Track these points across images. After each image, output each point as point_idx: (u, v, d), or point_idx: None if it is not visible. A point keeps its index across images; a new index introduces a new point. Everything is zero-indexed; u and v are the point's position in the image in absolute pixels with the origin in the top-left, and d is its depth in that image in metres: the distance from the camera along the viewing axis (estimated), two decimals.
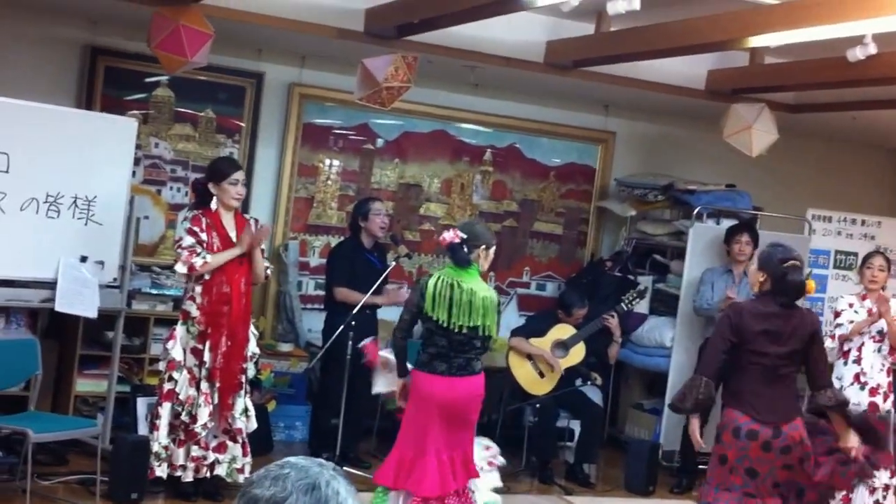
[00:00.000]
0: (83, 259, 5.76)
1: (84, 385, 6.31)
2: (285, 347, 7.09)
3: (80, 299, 5.72)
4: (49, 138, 5.65)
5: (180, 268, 5.26)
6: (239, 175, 5.42)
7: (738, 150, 7.00)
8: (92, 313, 5.76)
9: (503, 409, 6.95)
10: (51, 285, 5.67)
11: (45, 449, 5.68)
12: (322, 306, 6.81)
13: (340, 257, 6.52)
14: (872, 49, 5.34)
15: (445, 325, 4.86)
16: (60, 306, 5.68)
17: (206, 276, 5.27)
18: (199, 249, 5.23)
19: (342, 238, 6.93)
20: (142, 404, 6.13)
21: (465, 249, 4.92)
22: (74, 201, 5.75)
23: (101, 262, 5.83)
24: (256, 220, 5.54)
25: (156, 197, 6.94)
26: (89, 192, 5.79)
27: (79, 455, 5.90)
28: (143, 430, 5.93)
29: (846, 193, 8.60)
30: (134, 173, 6.34)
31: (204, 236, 5.27)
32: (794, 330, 4.68)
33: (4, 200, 5.51)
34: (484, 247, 4.97)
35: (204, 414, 5.27)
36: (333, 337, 6.09)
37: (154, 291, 6.51)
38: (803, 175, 8.55)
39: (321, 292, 6.95)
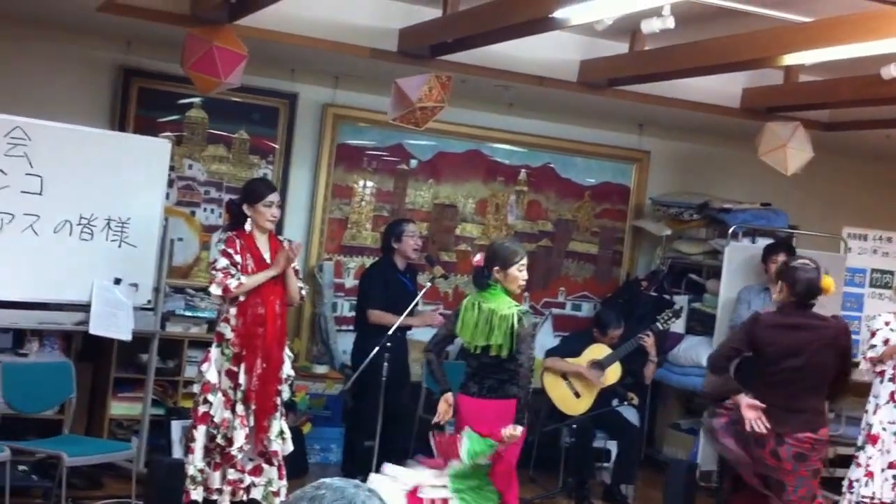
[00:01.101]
0: (117, 281, 5.77)
1: (118, 408, 6.30)
2: (320, 369, 7.06)
3: (114, 322, 5.72)
4: (82, 160, 5.67)
5: (215, 289, 5.23)
6: (274, 197, 5.39)
7: (773, 169, 6.94)
8: (126, 336, 5.76)
9: (539, 429, 6.87)
10: (85, 308, 5.68)
11: (79, 473, 5.66)
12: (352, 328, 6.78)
13: (374, 279, 6.48)
14: None
15: (468, 345, 4.90)
16: (94, 329, 5.68)
17: (241, 298, 5.24)
18: (233, 271, 5.21)
19: (376, 259, 6.90)
20: (176, 427, 6.11)
21: (485, 271, 4.89)
22: (108, 223, 5.76)
23: (135, 285, 5.83)
24: (290, 241, 5.51)
25: (190, 218, 6.94)
26: (123, 214, 5.80)
27: (113, 478, 5.88)
28: (177, 453, 5.91)
29: (882, 211, 8.49)
30: (167, 195, 6.34)
31: (238, 258, 5.25)
32: (811, 342, 4.68)
33: (38, 223, 5.53)
34: (498, 267, 4.87)
35: (240, 437, 5.23)
36: (369, 359, 6.03)
37: (188, 313, 6.50)
38: (839, 193, 8.47)
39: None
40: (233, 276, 5.19)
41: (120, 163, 5.79)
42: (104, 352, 6.26)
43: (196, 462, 5.23)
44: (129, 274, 5.81)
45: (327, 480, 1.61)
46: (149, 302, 5.94)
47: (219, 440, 5.22)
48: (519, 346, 4.77)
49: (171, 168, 6.31)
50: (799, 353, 4.87)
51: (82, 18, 5.93)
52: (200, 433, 5.24)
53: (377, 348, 5.86)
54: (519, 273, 4.90)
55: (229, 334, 5.25)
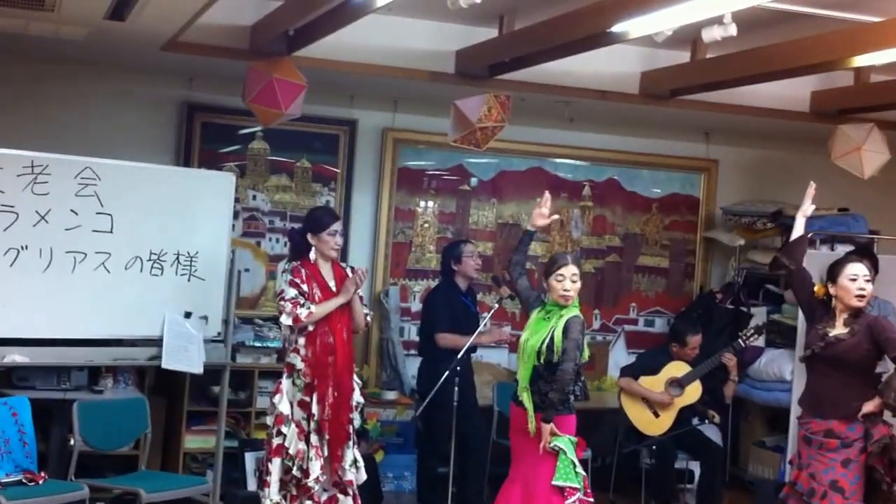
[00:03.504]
0: (187, 315, 5.80)
1: (193, 441, 6.33)
2: (390, 395, 7.02)
3: (185, 355, 5.75)
4: (150, 197, 5.73)
5: (286, 320, 5.21)
6: (337, 226, 5.38)
7: (848, 173, 6.75)
8: (198, 369, 5.79)
9: (618, 450, 6.74)
10: (157, 343, 5.72)
11: None
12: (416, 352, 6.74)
13: (438, 303, 6.41)
14: None
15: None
16: (167, 363, 5.72)
17: (310, 328, 5.23)
18: (302, 300, 5.20)
19: (437, 282, 6.84)
20: (250, 459, 6.11)
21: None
22: (177, 258, 5.81)
23: (205, 317, 5.86)
24: (353, 268, 5.49)
25: (255, 249, 6.98)
26: (191, 247, 5.84)
27: None
28: (252, 485, 5.91)
29: None
30: (233, 226, 6.38)
31: (305, 287, 5.24)
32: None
33: (109, 261, 5.60)
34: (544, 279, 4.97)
35: (316, 467, 5.19)
36: (440, 383, 5.97)
37: (257, 344, 6.52)
38: None
39: None
40: (302, 305, 5.18)
41: (186, 197, 5.84)
42: (177, 386, 6.31)
43: (272, 495, 5.20)
44: (198, 307, 5.84)
45: None
46: (218, 334, 5.96)
47: (294, 472, 5.19)
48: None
49: (236, 199, 6.35)
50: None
51: (146, 58, 6.02)
52: (275, 466, 5.21)
53: (447, 372, 5.80)
54: (557, 283, 4.87)
55: (300, 364, 5.23)
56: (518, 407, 4.94)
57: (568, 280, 4.88)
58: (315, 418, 5.22)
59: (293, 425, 5.21)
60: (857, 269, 4.93)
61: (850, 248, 7.00)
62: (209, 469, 6.16)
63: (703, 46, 5.80)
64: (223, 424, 6.02)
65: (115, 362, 5.87)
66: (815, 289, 5.09)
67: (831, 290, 4.97)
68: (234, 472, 6.17)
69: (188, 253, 5.84)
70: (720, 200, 7.95)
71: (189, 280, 5.85)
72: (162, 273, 5.77)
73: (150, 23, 5.13)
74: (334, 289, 5.31)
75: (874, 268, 6.61)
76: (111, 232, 5.60)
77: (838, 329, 4.90)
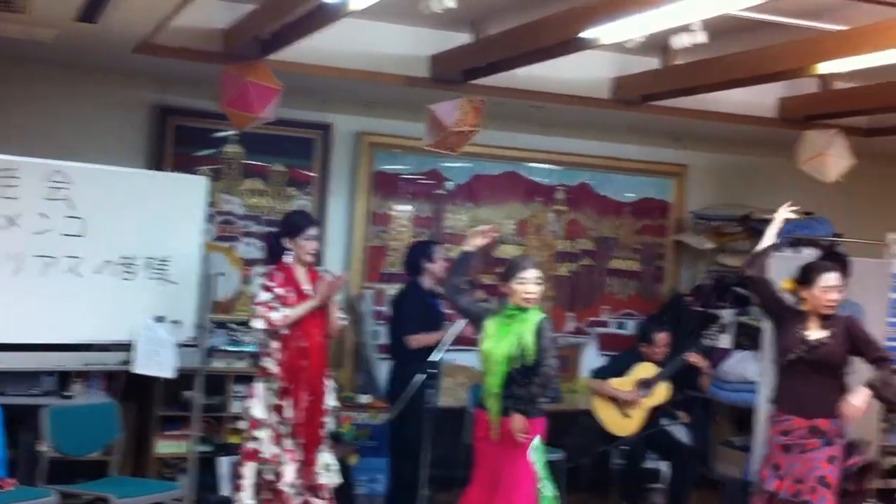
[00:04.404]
0: (160, 319, 5.80)
1: (165, 446, 6.30)
2: (365, 399, 7.02)
3: (157, 360, 5.75)
4: (122, 200, 5.73)
5: (259, 323, 5.22)
6: (314, 230, 5.40)
7: (814, 177, 6.85)
8: (170, 374, 5.78)
9: (590, 451, 6.79)
10: (128, 347, 5.72)
11: None
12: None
13: (407, 305, 6.42)
14: None
15: None
16: (138, 368, 5.72)
17: (285, 332, 5.23)
18: (275, 304, 5.21)
19: (402, 285, 6.84)
20: (224, 463, 6.11)
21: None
22: (149, 262, 5.82)
23: (178, 322, 5.86)
24: (328, 271, 5.51)
25: (230, 253, 6.96)
26: (163, 252, 5.85)
27: None
28: (225, 490, 5.91)
29: None
30: (207, 230, 6.37)
31: (280, 291, 5.25)
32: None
33: (80, 265, 5.61)
34: (505, 282, 5.02)
35: (290, 471, 5.21)
36: (416, 385, 5.97)
37: (232, 348, 6.51)
38: (882, 199, 8.34)
39: None
40: (276, 309, 5.19)
41: (158, 201, 5.84)
42: (148, 391, 6.28)
43: (246, 499, 5.21)
44: (171, 311, 5.84)
45: None
46: (192, 338, 5.95)
47: (269, 476, 5.20)
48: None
49: (210, 203, 6.34)
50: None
51: (117, 60, 6.00)
52: (249, 470, 5.22)
53: (422, 375, 5.81)
54: (520, 286, 4.92)
55: (274, 369, 5.24)
56: (482, 410, 4.97)
57: (531, 283, 4.93)
58: (289, 422, 5.23)
59: (267, 429, 5.22)
60: (831, 280, 5.02)
61: (814, 251, 7.11)
62: (181, 474, 6.14)
63: (674, 53, 5.87)
64: (197, 429, 6.01)
65: (85, 367, 5.86)
66: (784, 284, 5.19)
67: (802, 293, 5.06)
68: (208, 477, 6.16)
69: (160, 257, 5.84)
70: (691, 205, 8.04)
71: (161, 284, 5.86)
72: (134, 277, 5.77)
73: (122, 25, 5.12)
74: (310, 293, 5.33)
75: (845, 271, 6.74)
76: (82, 236, 5.60)
77: (815, 331, 4.99)
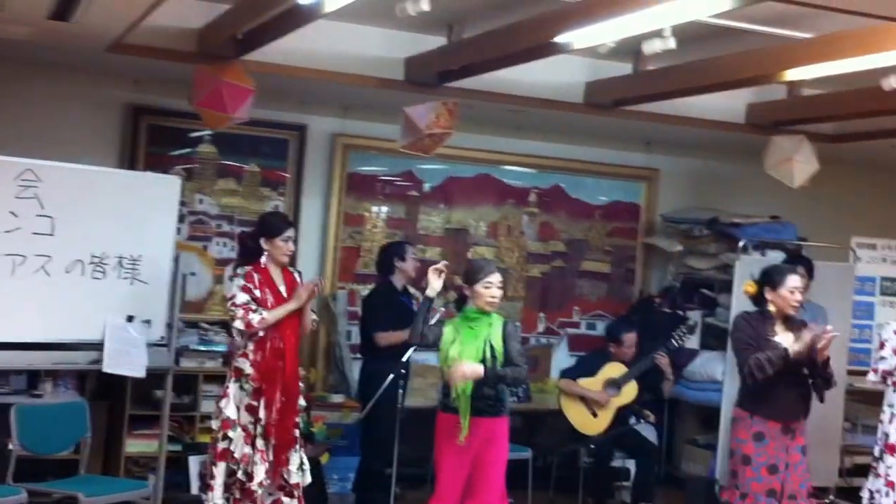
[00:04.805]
0: (130, 319, 5.77)
1: (134, 446, 6.30)
2: (337, 398, 7.05)
3: (127, 359, 5.73)
4: (93, 199, 5.69)
5: (238, 325, 5.22)
6: (291, 232, 5.42)
7: (781, 182, 6.96)
8: (140, 373, 5.77)
9: (558, 450, 6.86)
10: (98, 347, 5.68)
11: None
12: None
13: (378, 303, 6.46)
14: None
15: None
16: (108, 367, 5.69)
17: (261, 333, 5.25)
18: (254, 306, 5.22)
19: (374, 284, 6.87)
20: (194, 463, 6.10)
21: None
22: (120, 261, 5.78)
23: (148, 321, 5.84)
24: (300, 273, 5.53)
25: (202, 253, 6.96)
26: (135, 251, 5.81)
27: None
28: (195, 489, 5.90)
29: (889, 220, 8.49)
30: (179, 230, 6.37)
31: (258, 293, 5.26)
32: None
33: (50, 264, 5.54)
34: (466, 285, 5.03)
35: (261, 472, 5.21)
36: (386, 384, 5.99)
37: (202, 348, 6.51)
38: (846, 204, 8.46)
39: None
40: (254, 311, 5.20)
41: (130, 200, 5.81)
42: (119, 390, 6.27)
43: (216, 499, 5.21)
44: (142, 311, 5.81)
45: None
46: (162, 338, 5.94)
47: (239, 476, 5.21)
48: None
49: (183, 203, 6.33)
50: None
51: (91, 59, 5.99)
52: (220, 470, 5.21)
53: (392, 375, 5.83)
54: (486, 290, 4.96)
55: (248, 369, 5.24)
56: (446, 413, 5.00)
57: (495, 287, 4.99)
58: (262, 423, 5.24)
59: (239, 429, 5.23)
60: (797, 281, 5.16)
61: (780, 254, 7.23)
62: (151, 473, 6.13)
63: (645, 59, 5.92)
64: (166, 428, 6.00)
65: (55, 366, 5.83)
66: (745, 287, 5.33)
67: (768, 296, 5.17)
68: (177, 477, 6.15)
69: (131, 256, 5.81)
70: (661, 208, 8.11)
71: (132, 284, 5.82)
72: (104, 276, 5.73)
73: (95, 24, 5.11)
74: (285, 294, 5.34)
75: (809, 274, 6.87)
76: (52, 234, 5.55)
77: (783, 337, 5.12)
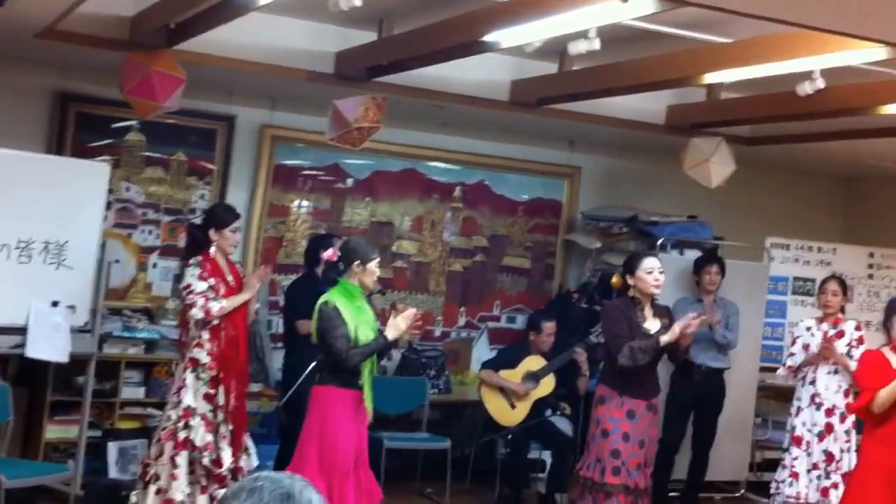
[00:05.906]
0: (54, 304, 5.76)
1: (54, 431, 6.26)
2: (255, 387, 7.07)
3: (50, 344, 5.72)
4: (20, 184, 5.68)
5: (197, 313, 5.25)
6: (239, 223, 5.51)
7: (698, 182, 7.17)
8: (63, 358, 5.76)
9: (476, 441, 6.99)
10: (21, 331, 5.67)
11: (14, 496, 5.58)
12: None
13: (300, 293, 6.53)
14: (821, 83, 5.52)
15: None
16: (31, 352, 5.68)
17: (216, 322, 5.30)
18: (211, 295, 5.28)
19: (299, 275, 6.93)
20: (113, 449, 6.11)
21: (340, 265, 5.10)
22: (46, 246, 5.77)
23: (73, 307, 5.84)
24: (240, 264, 5.62)
25: (127, 240, 6.95)
26: (61, 237, 5.81)
27: (49, 502, 5.86)
28: (113, 474, 5.90)
29: (803, 221, 8.79)
30: (105, 217, 6.36)
31: (213, 281, 5.32)
32: None
33: None
34: (358, 262, 5.05)
35: (227, 456, 5.28)
36: (308, 371, 6.06)
37: (125, 335, 6.51)
38: (761, 205, 8.74)
39: None
40: (213, 299, 5.25)
41: (57, 186, 5.80)
42: (40, 375, 6.23)
43: (182, 488, 5.22)
44: (66, 296, 5.82)
45: (263, 473, 1.69)
46: (86, 324, 5.94)
47: (206, 463, 5.24)
48: None
49: (109, 191, 6.33)
50: None
51: (18, 45, 5.93)
52: (183, 458, 5.23)
53: (314, 363, 5.91)
54: (377, 269, 5.12)
55: (205, 359, 5.28)
56: (350, 390, 5.03)
57: (377, 269, 5.16)
58: (223, 409, 5.30)
59: (198, 418, 5.26)
60: (653, 263, 5.47)
61: (697, 252, 7.48)
62: (70, 459, 6.12)
63: (570, 59, 6.04)
64: (87, 414, 6.00)
65: None
66: (613, 281, 5.68)
67: (630, 281, 5.45)
68: (96, 462, 6.15)
69: (57, 242, 5.81)
70: (581, 206, 8.27)
71: (57, 269, 5.82)
72: (30, 261, 5.73)
73: (27, 10, 5.06)
74: (233, 284, 5.42)
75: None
76: None
77: (651, 323, 5.42)
